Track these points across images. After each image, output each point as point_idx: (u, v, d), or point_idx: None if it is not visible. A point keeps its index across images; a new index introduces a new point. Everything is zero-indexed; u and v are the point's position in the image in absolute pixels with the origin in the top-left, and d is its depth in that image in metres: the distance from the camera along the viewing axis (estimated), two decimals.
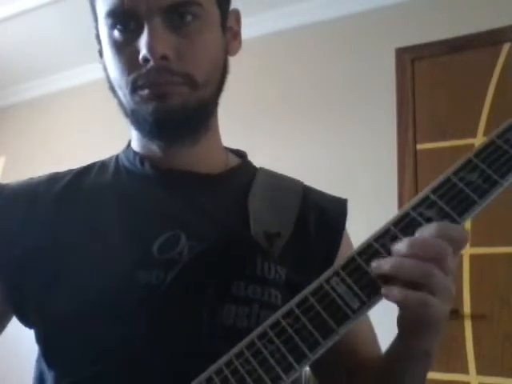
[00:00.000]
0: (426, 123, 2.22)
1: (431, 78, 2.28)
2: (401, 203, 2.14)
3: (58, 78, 3.46)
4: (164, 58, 0.58)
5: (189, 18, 0.60)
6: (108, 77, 0.65)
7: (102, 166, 0.72)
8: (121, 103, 0.65)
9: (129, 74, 0.61)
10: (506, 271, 1.89)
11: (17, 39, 3.11)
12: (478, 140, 2.08)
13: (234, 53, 0.71)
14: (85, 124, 3.27)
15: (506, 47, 2.14)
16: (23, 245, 0.62)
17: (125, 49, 0.60)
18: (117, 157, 0.73)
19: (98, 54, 0.68)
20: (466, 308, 1.90)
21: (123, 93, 0.63)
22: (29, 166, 3.08)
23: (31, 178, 0.71)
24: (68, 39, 3.06)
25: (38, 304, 0.60)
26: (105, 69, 0.66)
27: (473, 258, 1.94)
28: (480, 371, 1.82)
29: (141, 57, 0.58)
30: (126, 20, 0.59)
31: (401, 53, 2.35)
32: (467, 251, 1.94)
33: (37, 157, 3.31)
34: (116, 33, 0.61)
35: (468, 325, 1.88)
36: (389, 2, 2.45)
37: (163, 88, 0.60)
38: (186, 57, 0.60)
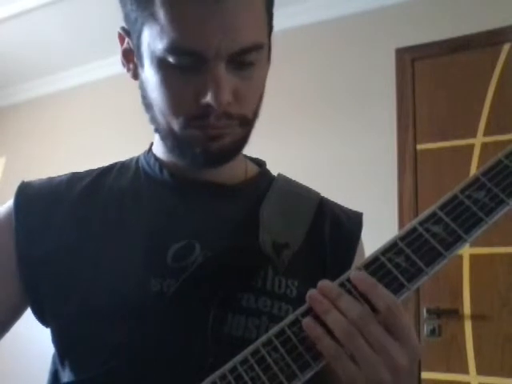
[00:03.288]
0: (426, 123, 2.22)
1: (431, 78, 2.28)
2: (401, 203, 2.14)
3: (58, 78, 3.46)
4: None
5: (250, 59, 0.58)
6: (145, 93, 0.63)
7: (121, 167, 0.73)
8: (157, 122, 0.63)
9: (182, 109, 0.59)
10: (505, 271, 1.89)
11: (17, 39, 3.10)
12: (478, 140, 2.08)
13: None
14: (85, 124, 3.27)
15: (506, 47, 2.15)
16: (43, 246, 0.63)
17: (181, 83, 0.58)
18: (137, 159, 0.74)
19: (122, 57, 0.66)
20: (466, 308, 1.90)
21: (168, 120, 0.61)
22: (29, 166, 3.08)
23: (51, 178, 0.71)
24: (68, 39, 3.06)
25: (54, 305, 0.61)
26: (142, 84, 0.63)
27: (473, 257, 1.94)
28: (480, 371, 1.82)
29: (205, 102, 0.57)
30: (189, 57, 0.56)
31: (401, 53, 2.36)
32: (467, 251, 1.95)
33: (37, 157, 3.31)
34: (174, 65, 0.57)
35: (468, 325, 1.88)
36: (389, 1, 2.45)
37: (219, 131, 0.60)
38: (243, 99, 0.60)
